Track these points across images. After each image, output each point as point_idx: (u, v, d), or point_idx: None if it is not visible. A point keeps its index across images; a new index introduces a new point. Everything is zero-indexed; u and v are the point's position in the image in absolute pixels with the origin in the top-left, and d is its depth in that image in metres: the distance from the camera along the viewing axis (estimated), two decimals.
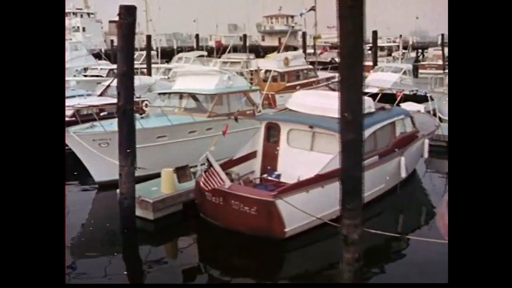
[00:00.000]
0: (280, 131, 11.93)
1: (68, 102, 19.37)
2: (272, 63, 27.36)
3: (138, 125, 13.12)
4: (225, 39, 67.54)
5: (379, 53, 58.01)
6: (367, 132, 10.23)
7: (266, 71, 26.78)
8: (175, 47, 57.28)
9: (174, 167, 10.59)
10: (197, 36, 52.50)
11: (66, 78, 33.73)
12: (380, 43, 62.39)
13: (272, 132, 12.21)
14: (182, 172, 10.51)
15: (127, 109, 9.94)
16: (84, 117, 17.93)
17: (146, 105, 19.95)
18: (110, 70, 36.27)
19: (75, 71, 38.39)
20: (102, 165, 13.17)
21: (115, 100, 19.37)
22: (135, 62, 37.82)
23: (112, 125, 13.40)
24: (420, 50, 68.56)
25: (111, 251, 10.17)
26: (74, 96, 21.88)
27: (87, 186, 14.29)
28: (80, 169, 15.61)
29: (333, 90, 18.34)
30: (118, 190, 11.31)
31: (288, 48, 62.91)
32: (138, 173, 13.24)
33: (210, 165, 9.72)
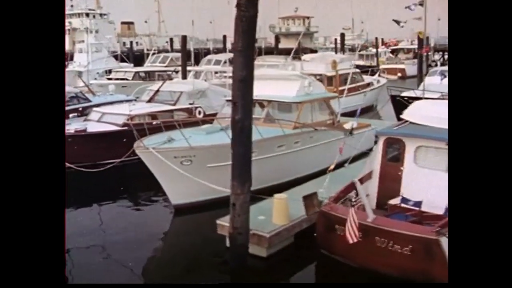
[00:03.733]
0: (405, 148, 10.02)
1: (116, 109, 17.54)
2: (319, 66, 25.50)
3: (226, 138, 11.31)
4: None
5: (404, 55, 56.64)
6: None
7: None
8: (191, 49, 55.54)
9: (303, 195, 8.68)
10: (224, 37, 50.58)
11: (91, 82, 31.98)
12: (405, 45, 60.90)
13: (392, 149, 10.32)
14: (309, 202, 8.62)
15: (245, 124, 8.04)
16: (136, 126, 16.04)
17: (200, 113, 18.13)
18: (136, 73, 34.46)
19: (96, 74, 36.49)
20: (182, 186, 11.29)
21: (167, 107, 17.80)
22: (161, 64, 36.17)
23: (191, 138, 11.54)
24: (441, 53, 66.81)
25: None
26: (121, 101, 20.01)
27: (160, 207, 12.44)
28: (143, 187, 13.93)
29: None
30: (219, 221, 9.50)
31: (304, 50, 61.32)
32: (216, 194, 11.49)
33: (356, 193, 7.83)
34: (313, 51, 60.31)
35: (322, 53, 40.06)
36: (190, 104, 17.98)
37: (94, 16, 61.50)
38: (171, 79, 33.14)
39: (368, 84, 28.59)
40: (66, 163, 13.20)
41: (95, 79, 34.29)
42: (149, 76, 34.43)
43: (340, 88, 24.47)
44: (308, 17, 76.57)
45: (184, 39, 26.83)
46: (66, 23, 61.20)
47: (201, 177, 10.99)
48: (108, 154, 15.44)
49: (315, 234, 9.09)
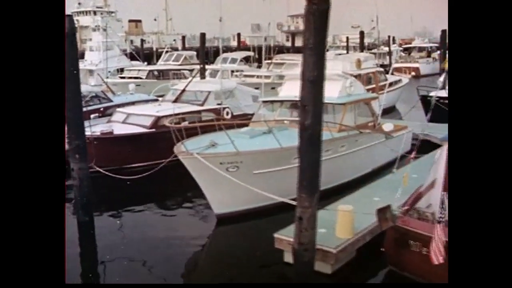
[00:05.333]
0: None
1: (141, 109, 16.76)
2: (343, 65, 24.63)
3: (272, 142, 10.58)
4: (249, 39, 64.94)
5: (418, 54, 55.78)
6: None
7: None
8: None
9: (377, 208, 7.89)
10: (238, 35, 49.85)
11: (108, 80, 31.18)
12: (418, 43, 60.08)
13: None
14: (383, 215, 7.84)
15: (315, 130, 7.27)
16: (162, 127, 15.30)
17: (227, 113, 17.35)
18: (150, 71, 33.72)
19: (108, 73, 35.65)
20: (226, 194, 10.53)
21: (195, 108, 16.98)
22: (175, 62, 35.26)
23: (235, 142, 10.74)
24: None
25: None
26: (143, 101, 19.24)
27: (199, 217, 11.68)
28: (177, 193, 13.21)
29: None
30: (277, 235, 8.76)
31: None
32: (262, 202, 10.77)
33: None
34: None
35: (333, 52, 39.20)
36: (218, 104, 17.20)
37: (101, 14, 60.66)
38: (186, 77, 32.40)
39: (391, 84, 27.77)
40: (95, 167, 12.64)
41: (107, 77, 33.50)
42: (163, 74, 33.66)
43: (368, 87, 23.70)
44: None
45: (202, 36, 25.98)
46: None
47: (247, 184, 10.24)
48: (136, 157, 14.74)
49: (382, 249, 8.35)
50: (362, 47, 40.00)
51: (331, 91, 13.06)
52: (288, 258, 8.46)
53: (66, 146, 9.64)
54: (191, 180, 10.68)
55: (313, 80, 7.16)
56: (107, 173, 12.14)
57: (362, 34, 41.11)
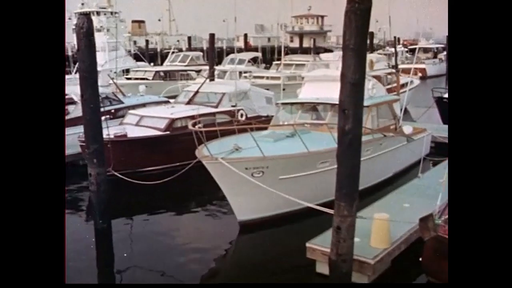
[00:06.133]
0: None
1: (155, 111, 16.38)
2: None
3: (299, 146, 10.22)
4: (253, 39, 64.59)
5: (425, 55, 55.43)
6: None
7: None
8: (204, 48, 54.33)
9: (419, 218, 7.50)
10: (245, 36, 49.42)
11: (109, 82, 30.79)
12: (424, 44, 59.73)
13: None
14: (425, 224, 7.46)
15: (356, 135, 6.90)
16: (177, 130, 14.96)
17: (242, 115, 16.98)
18: (156, 72, 33.40)
19: (113, 73, 35.26)
20: (249, 200, 10.15)
21: (209, 110, 16.59)
22: (182, 63, 34.84)
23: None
24: None
25: None
26: (155, 103, 18.86)
27: (219, 223, 11.32)
28: (191, 198, 12.85)
29: None
30: (309, 244, 8.38)
31: (318, 49, 59.97)
32: (286, 208, 10.44)
33: None
34: (327, 50, 58.91)
35: (339, 53, 38.81)
36: (232, 106, 16.83)
37: (105, 14, 60.18)
38: (192, 78, 32.05)
39: (402, 85, 27.38)
40: (112, 171, 12.27)
41: (113, 78, 33.12)
42: (170, 75, 33.32)
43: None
44: (322, 16, 75.26)
45: (211, 37, 25.56)
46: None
47: (273, 190, 9.87)
48: (150, 160, 14.38)
49: (420, 259, 7.97)
50: (372, 48, 39.54)
51: None
52: (321, 269, 8.10)
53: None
54: (210, 184, 10.28)
55: (355, 82, 6.79)
56: (126, 178, 11.77)
57: (371, 35, 40.65)
